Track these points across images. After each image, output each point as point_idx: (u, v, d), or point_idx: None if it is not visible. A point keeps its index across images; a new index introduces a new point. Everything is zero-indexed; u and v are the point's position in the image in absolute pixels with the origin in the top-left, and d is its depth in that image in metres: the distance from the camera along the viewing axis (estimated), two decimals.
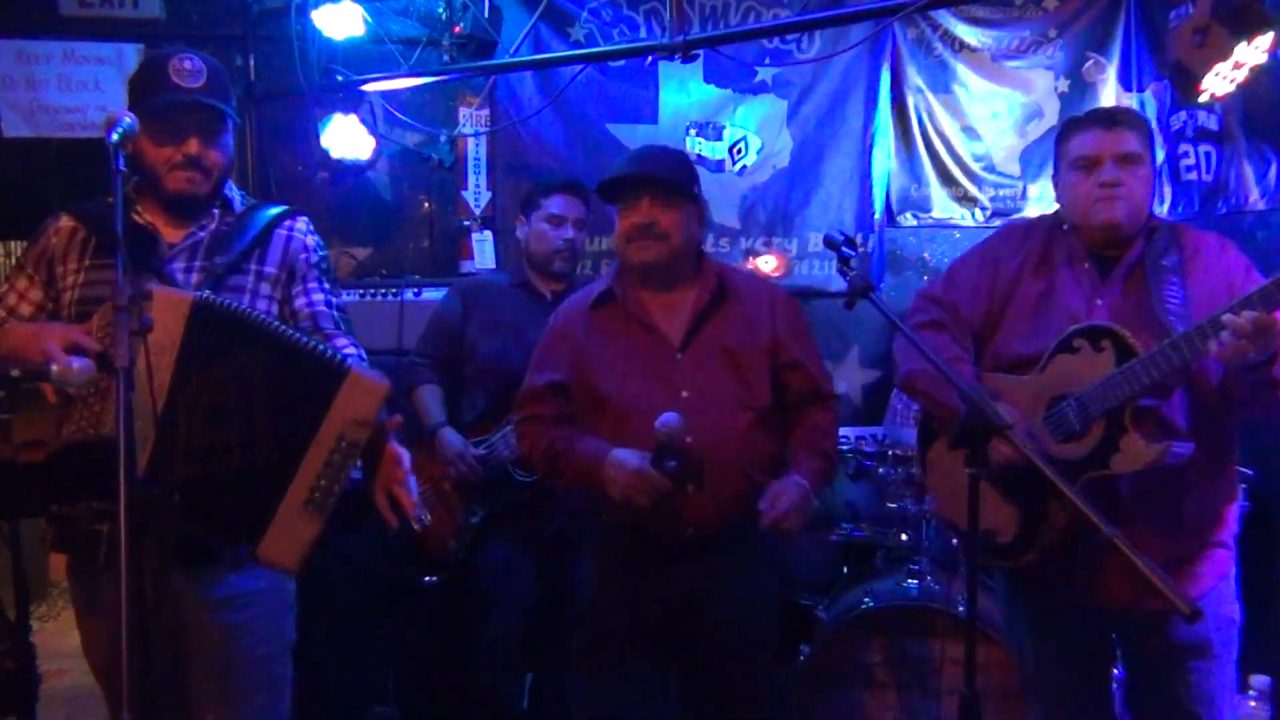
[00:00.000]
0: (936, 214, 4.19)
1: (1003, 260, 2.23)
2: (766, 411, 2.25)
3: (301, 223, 2.14)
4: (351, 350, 2.08)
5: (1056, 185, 2.23)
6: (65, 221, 2.00)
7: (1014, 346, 2.16)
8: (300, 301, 2.09)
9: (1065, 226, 2.19)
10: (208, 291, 1.90)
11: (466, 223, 4.03)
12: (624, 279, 2.32)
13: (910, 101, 4.12)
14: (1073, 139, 2.14)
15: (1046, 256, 2.19)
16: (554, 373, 2.30)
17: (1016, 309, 2.18)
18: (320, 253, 2.16)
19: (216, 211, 2.05)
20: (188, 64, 1.92)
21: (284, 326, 1.90)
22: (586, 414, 2.29)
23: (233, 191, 2.11)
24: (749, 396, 2.23)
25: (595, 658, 2.31)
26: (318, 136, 3.67)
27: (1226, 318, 1.76)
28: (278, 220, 2.10)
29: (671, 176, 2.23)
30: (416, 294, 3.65)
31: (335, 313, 2.12)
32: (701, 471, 2.14)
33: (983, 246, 2.32)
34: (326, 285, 2.14)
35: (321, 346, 1.88)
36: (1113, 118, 2.14)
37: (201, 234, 2.02)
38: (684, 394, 2.20)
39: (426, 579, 3.02)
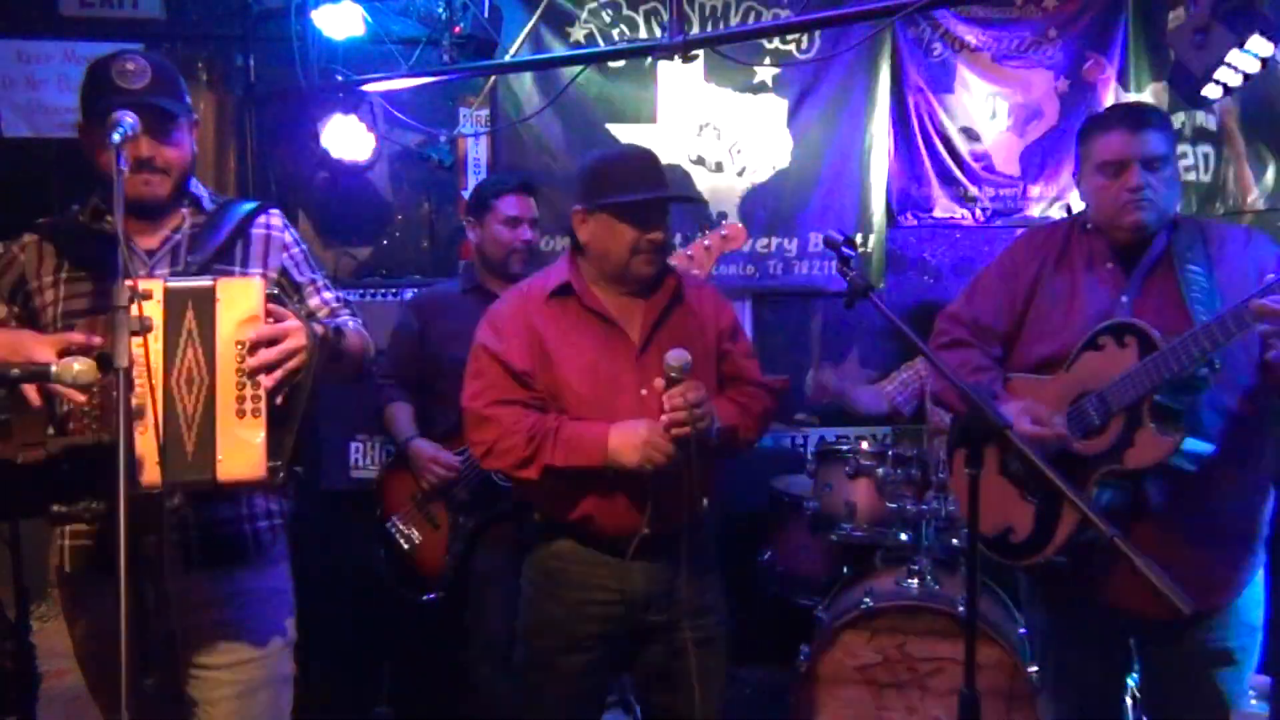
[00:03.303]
0: (936, 214, 4.20)
1: (1021, 266, 2.23)
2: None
3: (276, 218, 2.13)
4: (346, 314, 2.15)
5: (1079, 184, 2.20)
6: (28, 238, 1.99)
7: (1039, 347, 2.16)
8: (314, 301, 2.13)
9: (1089, 226, 2.18)
10: (165, 272, 1.93)
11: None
12: (583, 274, 2.27)
13: (910, 101, 4.12)
14: (1098, 140, 2.10)
15: (1066, 256, 2.19)
16: (524, 361, 2.21)
17: (1038, 311, 2.18)
18: (301, 245, 2.17)
19: (185, 212, 2.03)
20: (130, 64, 1.90)
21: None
22: (550, 406, 2.23)
23: (200, 189, 2.09)
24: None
25: (542, 669, 2.28)
26: (318, 136, 3.66)
27: (1253, 303, 1.75)
28: (251, 217, 2.08)
29: (699, 199, 2.30)
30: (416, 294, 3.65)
31: (343, 304, 2.18)
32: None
33: (1001, 256, 2.33)
34: (324, 278, 2.18)
35: (200, 277, 1.87)
36: (1138, 119, 2.09)
37: (178, 236, 2.01)
38: (643, 392, 2.19)
39: (426, 597, 3.01)
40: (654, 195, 2.18)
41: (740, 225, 2.92)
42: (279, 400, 1.83)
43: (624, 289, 2.25)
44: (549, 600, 2.27)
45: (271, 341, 1.81)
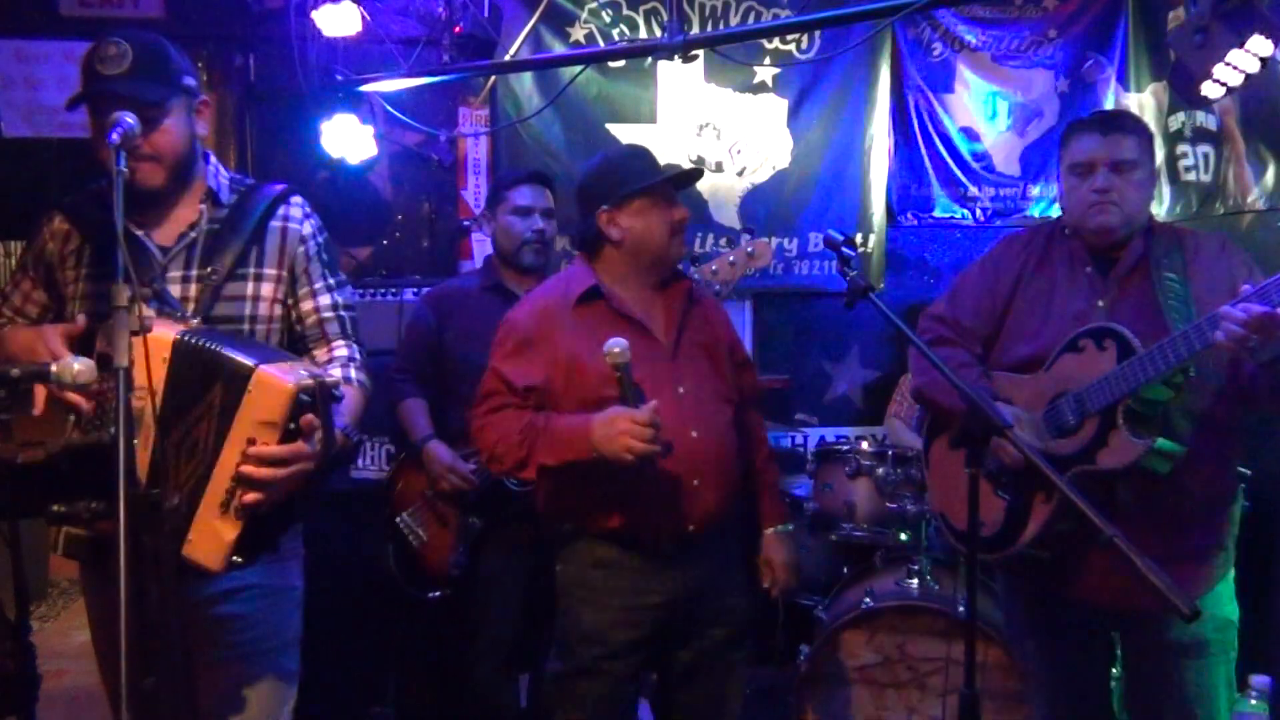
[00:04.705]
0: (936, 214, 4.21)
1: (1002, 268, 2.27)
2: (736, 407, 2.36)
3: (296, 209, 2.04)
4: (343, 352, 2.05)
5: (1059, 188, 2.27)
6: (59, 224, 1.95)
7: (1018, 348, 2.19)
8: (307, 306, 2.04)
9: (1067, 231, 2.23)
10: (196, 321, 1.85)
11: (466, 223, 4.03)
12: (609, 276, 2.28)
13: (910, 101, 4.13)
14: (1071, 143, 2.17)
15: (1046, 259, 2.23)
16: (533, 377, 2.21)
17: (1018, 312, 2.22)
18: (319, 238, 2.07)
19: (203, 207, 1.96)
20: (112, 49, 1.83)
21: (235, 343, 1.79)
22: (577, 414, 2.22)
23: (220, 177, 2.01)
24: (728, 391, 2.32)
25: (582, 677, 2.26)
26: (318, 136, 3.66)
27: (1224, 309, 1.79)
28: (270, 211, 2.00)
29: (700, 169, 2.42)
30: (416, 294, 3.65)
31: (342, 313, 2.07)
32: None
33: (983, 258, 2.36)
34: (330, 279, 2.07)
35: (236, 353, 1.73)
36: (1110, 123, 2.15)
37: (193, 233, 1.94)
38: (680, 390, 2.21)
39: (431, 595, 3.01)
40: (685, 171, 2.37)
41: (768, 242, 2.88)
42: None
43: (652, 282, 2.29)
44: (589, 608, 2.25)
45: (279, 462, 1.73)
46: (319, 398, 1.79)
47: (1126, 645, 2.21)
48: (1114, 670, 2.45)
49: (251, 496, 1.72)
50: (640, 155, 2.32)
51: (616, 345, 2.03)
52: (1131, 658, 2.20)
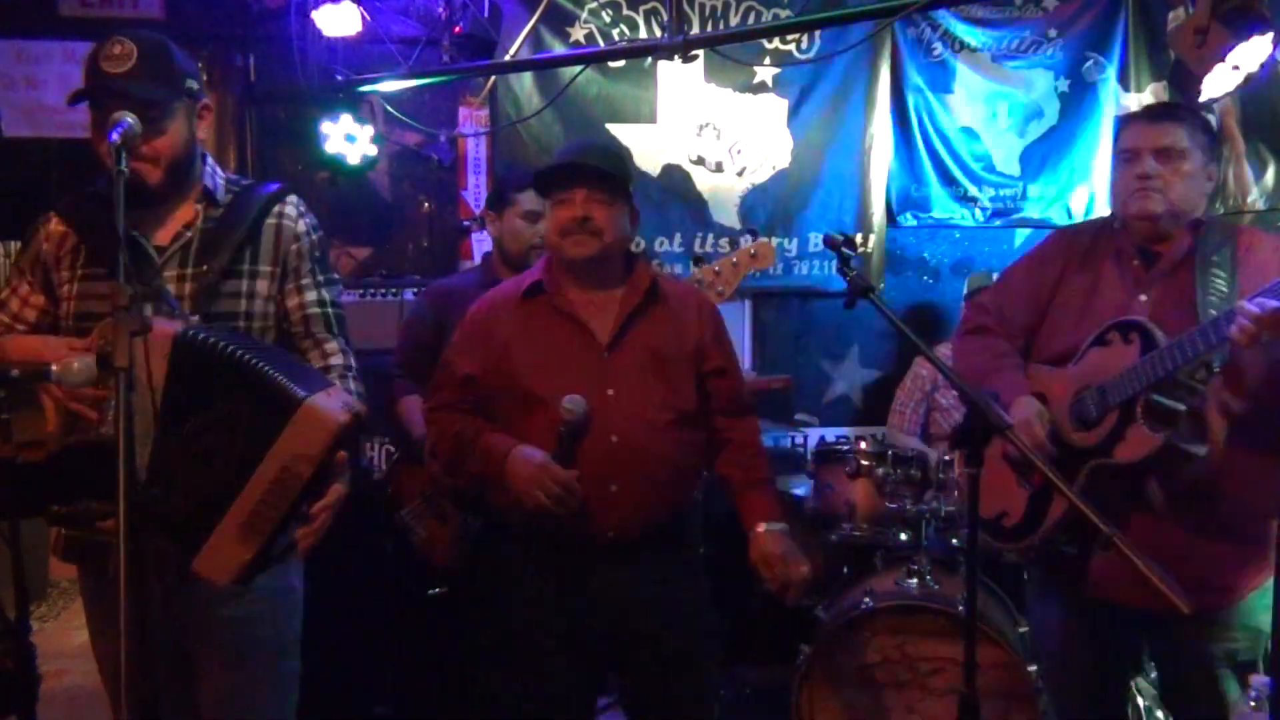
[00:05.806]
0: (936, 214, 4.20)
1: (1048, 261, 2.25)
2: (690, 416, 2.23)
3: (290, 207, 2.03)
4: (338, 360, 2.03)
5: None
6: (55, 225, 1.95)
7: (1058, 340, 2.17)
8: (293, 302, 2.02)
9: (1116, 224, 2.20)
10: (195, 319, 1.84)
11: (466, 223, 4.03)
12: (554, 272, 2.25)
13: (910, 101, 4.13)
14: (1120, 131, 2.16)
15: (1092, 253, 2.20)
16: (471, 367, 2.22)
17: (1061, 305, 2.20)
18: (312, 237, 2.05)
19: (199, 207, 1.95)
20: (117, 48, 1.83)
21: (255, 349, 1.77)
22: (507, 408, 2.20)
23: (216, 177, 2.00)
24: (673, 398, 2.19)
25: (513, 660, 2.24)
26: (318, 136, 3.66)
27: (1239, 304, 1.77)
28: (265, 210, 2.00)
29: (610, 170, 2.18)
30: (416, 294, 3.65)
31: (330, 310, 2.06)
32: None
33: (1032, 250, 2.35)
34: (320, 277, 2.05)
35: (280, 376, 1.73)
36: (1159, 111, 2.15)
37: (189, 233, 1.93)
38: (609, 391, 2.14)
39: (431, 591, 3.00)
40: (553, 165, 2.23)
41: (770, 243, 2.85)
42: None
43: (592, 280, 2.21)
44: (522, 603, 2.22)
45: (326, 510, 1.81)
46: (355, 430, 1.80)
47: (1161, 652, 2.18)
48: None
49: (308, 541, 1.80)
50: (566, 150, 2.32)
51: (569, 403, 2.05)
52: (1168, 665, 2.19)
